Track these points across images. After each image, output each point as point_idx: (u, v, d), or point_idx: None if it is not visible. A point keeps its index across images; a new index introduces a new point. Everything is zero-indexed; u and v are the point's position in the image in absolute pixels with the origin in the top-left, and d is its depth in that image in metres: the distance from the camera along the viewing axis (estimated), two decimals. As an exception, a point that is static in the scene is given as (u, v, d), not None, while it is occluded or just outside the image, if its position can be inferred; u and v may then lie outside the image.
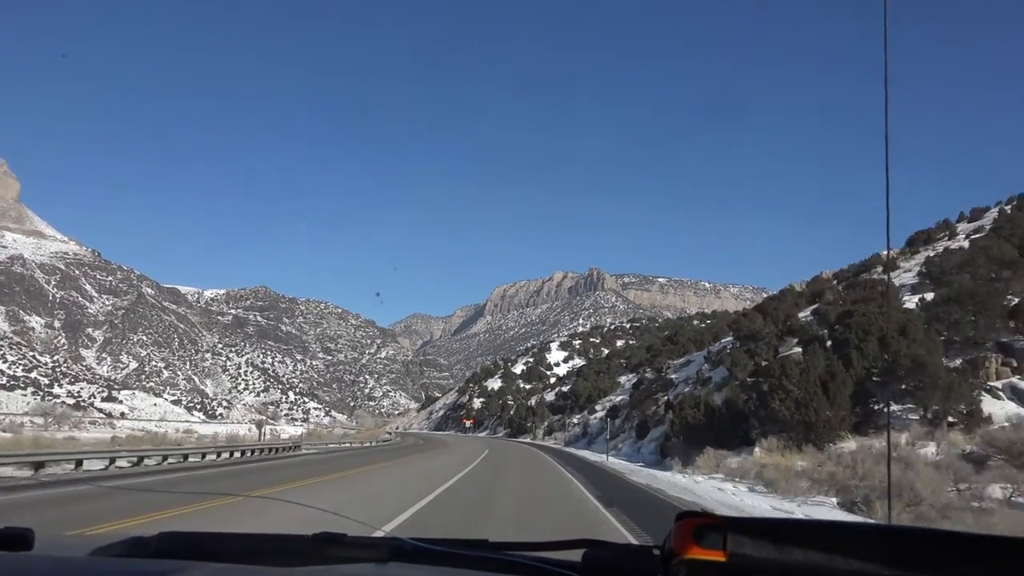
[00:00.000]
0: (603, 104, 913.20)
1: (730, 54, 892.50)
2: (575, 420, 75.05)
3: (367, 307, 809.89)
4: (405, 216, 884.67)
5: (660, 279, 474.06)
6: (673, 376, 53.94)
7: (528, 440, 78.48)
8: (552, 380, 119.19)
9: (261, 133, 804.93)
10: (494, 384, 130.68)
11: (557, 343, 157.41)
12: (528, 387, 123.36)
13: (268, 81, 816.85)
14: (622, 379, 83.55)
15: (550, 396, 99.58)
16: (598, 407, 73.69)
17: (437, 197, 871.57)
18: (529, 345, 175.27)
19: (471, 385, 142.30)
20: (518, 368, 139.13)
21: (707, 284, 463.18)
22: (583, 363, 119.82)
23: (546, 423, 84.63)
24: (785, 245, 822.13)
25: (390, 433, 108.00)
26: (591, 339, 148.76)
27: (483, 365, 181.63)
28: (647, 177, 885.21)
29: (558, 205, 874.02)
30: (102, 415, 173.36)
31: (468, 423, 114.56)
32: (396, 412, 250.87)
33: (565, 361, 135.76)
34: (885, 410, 28.21)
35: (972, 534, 1.06)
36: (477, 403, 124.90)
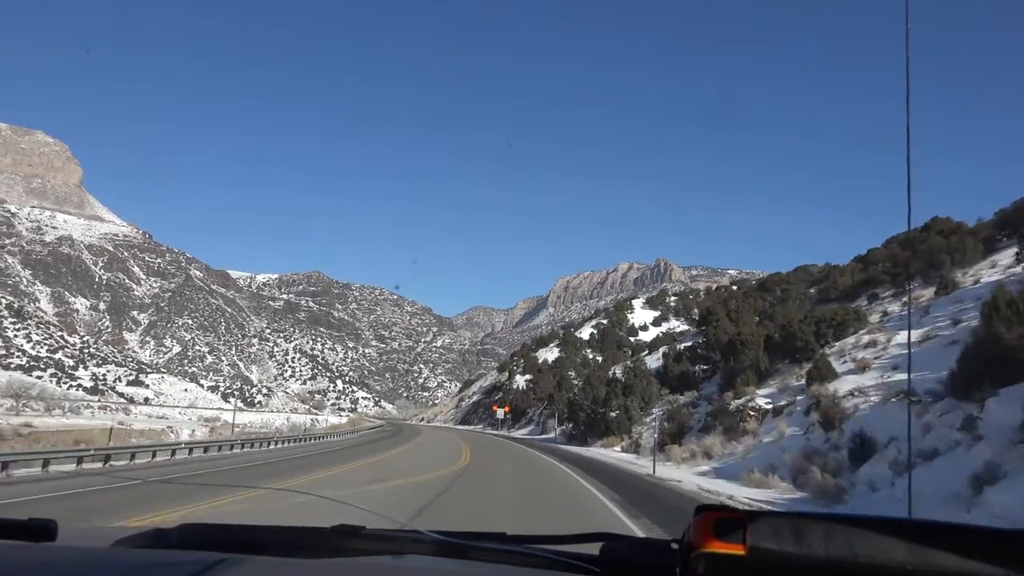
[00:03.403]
0: (674, 90, 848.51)
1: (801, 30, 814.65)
2: (761, 400, 24.14)
3: (424, 294, 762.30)
4: (467, 207, 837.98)
5: (730, 271, 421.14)
6: None
7: (629, 457, 27.55)
8: (636, 348, 67.91)
9: (328, 116, 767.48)
10: (548, 355, 79.90)
11: (642, 300, 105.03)
12: (600, 359, 72.51)
13: (331, 58, 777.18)
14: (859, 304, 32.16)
15: (654, 361, 48.34)
16: (840, 362, 22.82)
17: (500, 187, 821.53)
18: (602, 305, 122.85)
19: (515, 359, 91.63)
20: (584, 333, 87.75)
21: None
22: (684, 326, 68.68)
23: (657, 411, 33.55)
24: (851, 233, 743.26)
25: (382, 424, 61.49)
26: (689, 296, 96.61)
27: (537, 335, 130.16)
28: (715, 165, 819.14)
29: (626, 195, 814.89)
30: (122, 400, 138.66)
31: (501, 412, 64.42)
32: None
33: (656, 324, 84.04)
34: None
35: (995, 529, 0.99)
36: (520, 382, 74.14)
